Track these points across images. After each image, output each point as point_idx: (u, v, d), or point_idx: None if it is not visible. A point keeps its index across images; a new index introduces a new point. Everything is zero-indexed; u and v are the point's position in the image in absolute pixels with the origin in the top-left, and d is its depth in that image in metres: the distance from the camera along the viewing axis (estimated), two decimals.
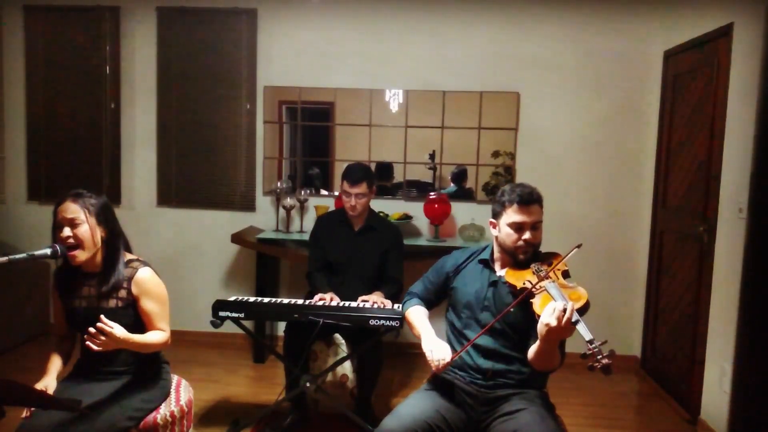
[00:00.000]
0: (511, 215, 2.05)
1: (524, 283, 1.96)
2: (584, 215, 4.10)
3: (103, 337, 1.83)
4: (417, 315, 2.25)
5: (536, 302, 1.88)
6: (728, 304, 2.92)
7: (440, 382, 2.13)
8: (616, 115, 4.03)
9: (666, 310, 3.69)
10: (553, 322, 1.72)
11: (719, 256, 3.06)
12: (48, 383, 2.03)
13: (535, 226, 2.06)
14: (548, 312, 1.74)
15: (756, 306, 2.76)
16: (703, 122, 3.27)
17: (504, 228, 2.07)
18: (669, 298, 3.65)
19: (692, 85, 3.45)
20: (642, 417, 3.44)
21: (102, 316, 1.86)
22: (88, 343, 1.84)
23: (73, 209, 2.01)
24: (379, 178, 4.19)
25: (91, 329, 1.83)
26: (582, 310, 1.81)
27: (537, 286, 1.91)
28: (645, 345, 3.98)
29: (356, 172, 3.05)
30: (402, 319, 2.53)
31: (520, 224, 2.04)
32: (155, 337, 2.07)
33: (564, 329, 1.72)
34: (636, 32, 3.96)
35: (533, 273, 2.00)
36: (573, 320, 1.71)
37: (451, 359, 1.98)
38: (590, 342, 1.68)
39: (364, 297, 2.87)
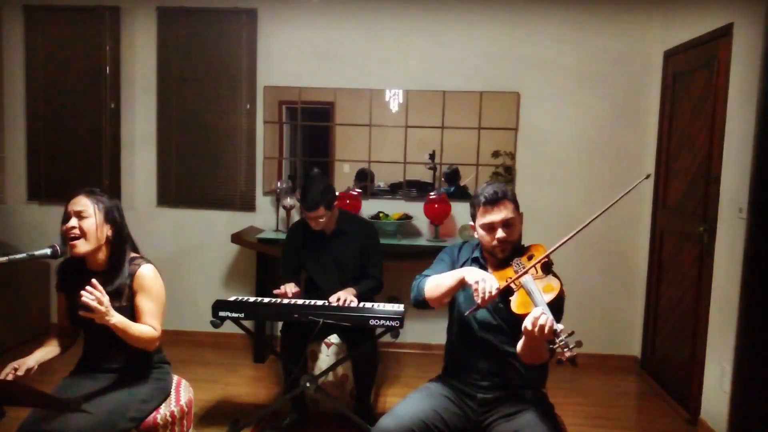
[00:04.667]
0: (481, 217, 2.07)
1: (506, 281, 1.97)
2: (584, 215, 4.04)
3: (93, 303, 1.86)
4: (439, 276, 2.12)
5: (513, 300, 1.91)
6: (728, 304, 2.92)
7: (439, 383, 2.14)
8: (616, 115, 4.03)
9: (666, 310, 3.69)
10: (529, 327, 1.74)
11: (719, 256, 3.06)
12: (26, 361, 1.97)
13: (507, 223, 2.05)
14: (528, 319, 1.76)
15: (756, 306, 2.76)
16: (703, 122, 3.27)
17: (479, 230, 2.10)
18: (669, 298, 3.65)
19: (692, 85, 3.45)
20: (642, 417, 3.44)
21: (93, 280, 1.89)
22: (83, 299, 1.86)
23: (83, 203, 2.05)
24: (357, 180, 4.23)
25: (84, 293, 1.86)
26: (555, 302, 1.85)
27: (516, 282, 1.93)
28: (645, 345, 3.98)
29: (310, 200, 2.92)
30: (402, 319, 2.54)
31: (490, 224, 2.05)
32: (142, 328, 2.05)
33: (540, 335, 1.73)
34: (636, 32, 3.96)
35: (513, 270, 2.02)
36: (545, 323, 1.72)
37: (498, 291, 1.88)
38: (557, 335, 1.70)
39: (333, 296, 2.84)
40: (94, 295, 1.86)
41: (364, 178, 4.25)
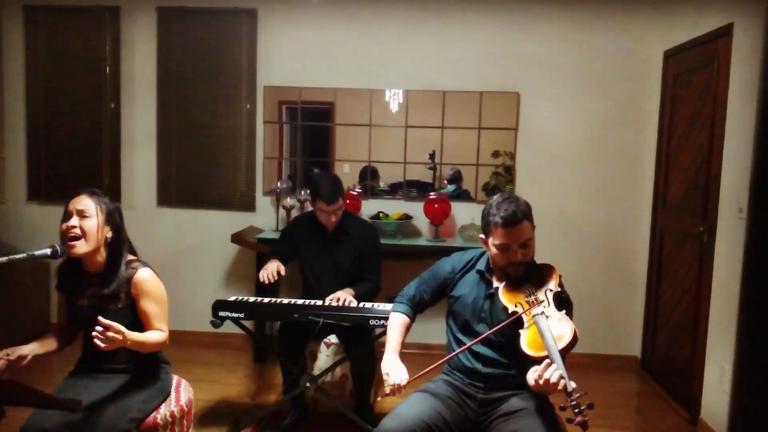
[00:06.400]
0: (498, 237, 1.99)
1: (516, 306, 1.95)
2: (584, 215, 4.10)
3: (109, 334, 1.81)
4: (394, 326, 2.22)
5: (524, 335, 1.87)
6: (728, 304, 2.92)
7: (440, 383, 2.14)
8: (616, 115, 4.03)
9: (666, 310, 3.69)
10: (532, 383, 1.75)
11: (719, 256, 3.06)
12: (20, 349, 1.96)
13: (525, 244, 2.00)
14: (532, 375, 1.75)
15: (756, 306, 2.76)
16: (703, 122, 3.27)
17: (492, 248, 2.04)
18: (669, 298, 3.65)
19: (692, 85, 3.45)
20: (642, 417, 3.44)
21: (100, 318, 1.84)
22: (96, 341, 1.82)
23: (86, 202, 2.04)
24: (368, 179, 4.23)
25: (95, 333, 1.82)
26: (566, 349, 1.79)
27: (528, 313, 1.90)
28: (645, 345, 3.98)
29: (331, 192, 2.92)
30: None
31: (507, 245, 1.99)
32: (154, 336, 2.07)
33: (546, 389, 1.72)
34: (636, 32, 3.96)
35: (525, 298, 1.96)
36: (556, 379, 1.68)
37: (407, 383, 1.98)
38: (569, 395, 1.65)
39: (331, 296, 2.83)
40: (104, 335, 1.81)
41: (372, 176, 4.22)
